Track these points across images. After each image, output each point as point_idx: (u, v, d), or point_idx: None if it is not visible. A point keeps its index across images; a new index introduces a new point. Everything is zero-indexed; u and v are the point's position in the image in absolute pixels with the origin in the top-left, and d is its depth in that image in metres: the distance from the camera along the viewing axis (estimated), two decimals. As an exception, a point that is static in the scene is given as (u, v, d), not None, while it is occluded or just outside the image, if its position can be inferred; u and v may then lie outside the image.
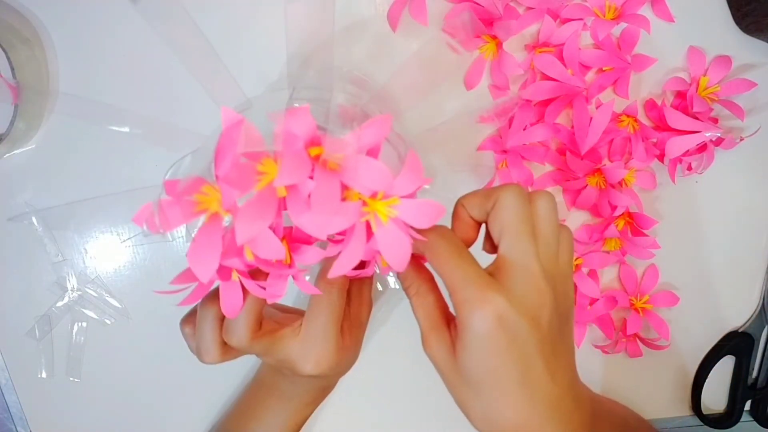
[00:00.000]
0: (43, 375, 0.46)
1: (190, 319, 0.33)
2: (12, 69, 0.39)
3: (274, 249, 0.25)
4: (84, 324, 0.46)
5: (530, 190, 0.31)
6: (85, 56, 0.42)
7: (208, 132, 0.31)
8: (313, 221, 0.24)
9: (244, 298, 0.29)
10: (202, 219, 0.26)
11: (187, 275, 0.28)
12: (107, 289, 0.45)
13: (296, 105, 0.33)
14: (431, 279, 0.30)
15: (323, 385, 0.38)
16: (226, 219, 0.25)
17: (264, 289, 0.28)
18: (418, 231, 0.27)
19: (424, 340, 0.29)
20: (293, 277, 0.28)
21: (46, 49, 0.41)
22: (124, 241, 0.44)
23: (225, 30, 0.42)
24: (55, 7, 0.41)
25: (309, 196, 0.24)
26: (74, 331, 0.46)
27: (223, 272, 0.27)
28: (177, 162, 0.36)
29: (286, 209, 0.25)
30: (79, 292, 0.45)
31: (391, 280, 0.44)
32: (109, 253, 0.45)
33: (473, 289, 0.26)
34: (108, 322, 0.46)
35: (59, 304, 0.45)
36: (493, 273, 0.28)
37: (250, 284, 0.28)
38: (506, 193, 0.28)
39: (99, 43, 0.42)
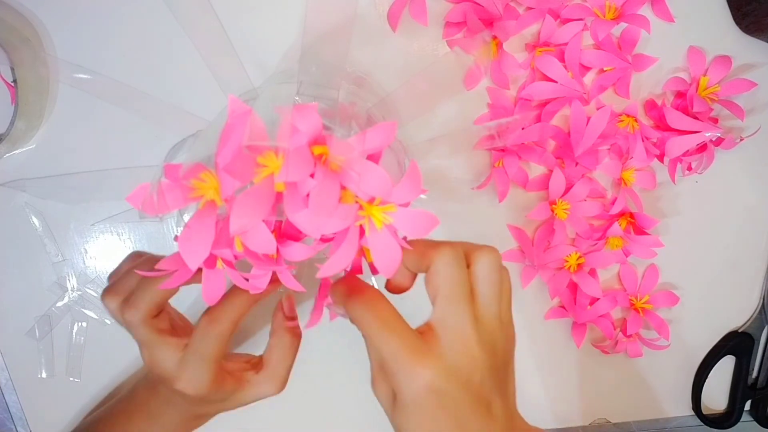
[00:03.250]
0: (43, 375, 0.46)
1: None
2: (12, 69, 0.39)
3: (265, 242, 0.25)
4: (84, 324, 0.46)
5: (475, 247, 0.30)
6: (85, 56, 0.42)
7: (210, 117, 0.31)
8: (310, 220, 0.24)
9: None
10: (196, 205, 0.26)
11: (174, 260, 0.28)
12: (107, 289, 0.45)
13: (302, 100, 0.33)
14: None
15: (194, 412, 0.36)
16: (220, 208, 0.25)
17: (247, 280, 0.28)
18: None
19: (372, 379, 0.30)
20: (277, 272, 0.28)
21: (46, 49, 0.41)
22: (93, 224, 0.44)
23: (234, 16, 0.42)
24: (55, 7, 0.41)
25: (307, 195, 0.24)
26: (74, 331, 0.46)
27: (209, 260, 0.27)
28: (177, 144, 0.36)
29: (279, 202, 0.25)
30: (79, 292, 0.45)
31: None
32: (109, 253, 0.45)
33: (401, 364, 0.27)
34: (108, 322, 0.46)
35: (59, 304, 0.45)
36: (425, 333, 0.28)
37: (233, 274, 0.28)
38: (439, 258, 0.28)
39: (99, 43, 0.42)
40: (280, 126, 0.24)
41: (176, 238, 0.25)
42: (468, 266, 0.29)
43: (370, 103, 0.37)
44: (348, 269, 0.32)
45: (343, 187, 0.25)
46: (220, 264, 0.27)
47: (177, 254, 0.27)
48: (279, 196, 0.25)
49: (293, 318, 0.36)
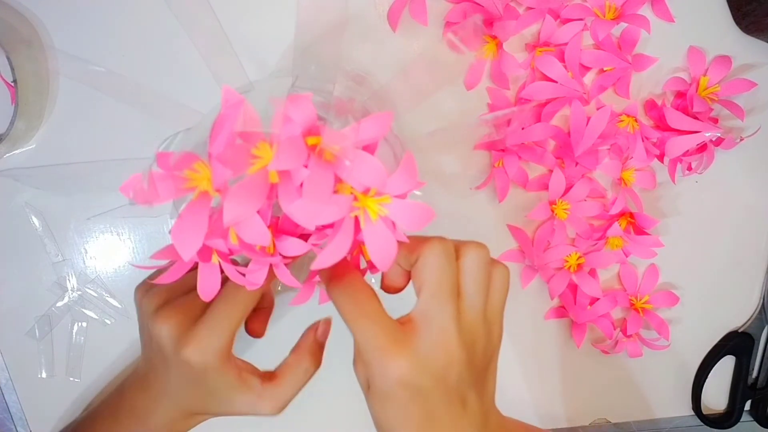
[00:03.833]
0: (43, 375, 0.46)
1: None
2: (12, 69, 0.39)
3: (259, 234, 0.25)
4: (84, 324, 0.46)
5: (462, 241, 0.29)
6: (85, 56, 0.42)
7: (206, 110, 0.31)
8: (303, 210, 0.24)
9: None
10: (190, 196, 0.25)
11: (168, 251, 0.28)
12: (107, 289, 0.45)
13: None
14: None
15: (184, 409, 0.35)
16: (215, 200, 0.25)
17: (243, 275, 0.28)
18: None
19: (354, 359, 0.30)
20: (273, 266, 0.28)
21: (46, 49, 0.41)
22: (89, 218, 0.43)
23: (233, 15, 0.42)
24: (55, 7, 0.41)
25: (301, 185, 0.24)
26: (74, 331, 0.46)
27: (204, 253, 0.27)
28: (170, 137, 0.35)
29: (275, 198, 0.25)
30: (79, 292, 0.45)
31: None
32: (109, 253, 0.45)
33: (375, 354, 0.27)
34: (108, 322, 0.46)
35: (59, 304, 0.45)
36: (405, 324, 0.28)
37: (229, 269, 0.27)
38: (428, 251, 0.28)
39: (99, 43, 0.42)
40: (274, 116, 0.24)
41: (170, 231, 0.25)
42: (456, 260, 0.29)
43: (370, 101, 0.37)
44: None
45: (339, 180, 0.25)
46: (215, 258, 0.27)
47: (171, 246, 0.26)
48: (275, 190, 0.25)
49: (322, 346, 0.35)
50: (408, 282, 0.30)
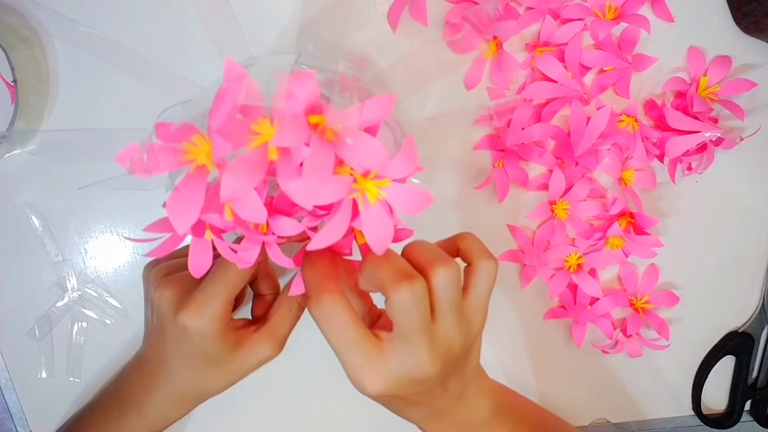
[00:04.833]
0: (43, 375, 0.46)
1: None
2: (12, 69, 0.39)
3: (255, 210, 0.25)
4: (84, 324, 0.46)
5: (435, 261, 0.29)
6: (86, 55, 0.42)
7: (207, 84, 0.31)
8: (302, 189, 0.24)
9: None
10: (187, 169, 0.25)
11: (162, 225, 0.28)
12: (107, 289, 0.45)
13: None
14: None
15: (182, 386, 0.35)
16: (212, 174, 0.25)
17: (235, 252, 0.28)
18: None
19: None
20: (266, 244, 0.28)
21: (46, 49, 0.41)
22: (80, 187, 0.42)
23: None
24: (55, 7, 0.41)
25: (301, 163, 0.24)
26: (74, 331, 0.46)
27: (198, 228, 0.27)
28: (168, 108, 0.35)
29: (272, 176, 0.24)
30: (79, 292, 0.45)
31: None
32: (109, 253, 0.45)
33: (350, 371, 0.29)
34: (108, 322, 0.46)
35: (59, 304, 0.45)
36: (383, 341, 0.29)
37: (221, 245, 0.27)
38: (394, 295, 0.27)
39: (99, 43, 0.42)
40: (276, 92, 0.24)
41: (165, 204, 0.25)
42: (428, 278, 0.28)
43: (372, 85, 0.37)
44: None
45: (339, 162, 0.25)
46: (208, 235, 0.27)
47: (165, 219, 0.26)
48: (272, 169, 0.24)
49: None
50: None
